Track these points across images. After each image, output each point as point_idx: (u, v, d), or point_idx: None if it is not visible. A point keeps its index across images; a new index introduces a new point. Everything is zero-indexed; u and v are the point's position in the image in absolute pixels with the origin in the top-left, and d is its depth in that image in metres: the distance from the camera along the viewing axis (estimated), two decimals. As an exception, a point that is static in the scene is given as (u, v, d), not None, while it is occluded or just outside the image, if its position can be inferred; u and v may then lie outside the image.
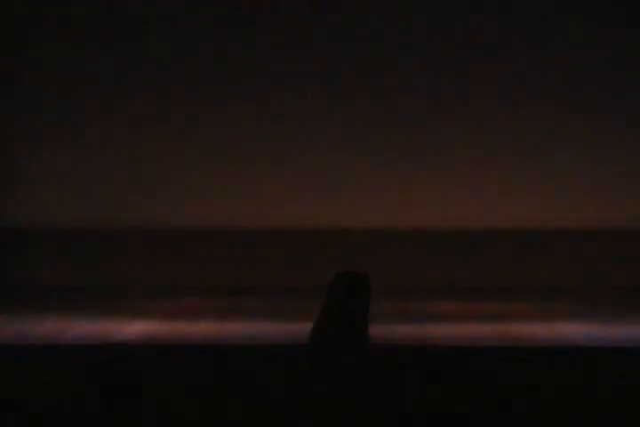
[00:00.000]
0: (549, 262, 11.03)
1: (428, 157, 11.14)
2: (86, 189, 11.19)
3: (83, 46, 11.08)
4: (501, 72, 11.07)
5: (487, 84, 11.07)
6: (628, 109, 11.07)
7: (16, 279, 10.85)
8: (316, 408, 4.96)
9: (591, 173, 11.09)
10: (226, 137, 11.16)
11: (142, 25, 11.06)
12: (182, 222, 11.12)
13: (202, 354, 6.91)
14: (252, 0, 11.07)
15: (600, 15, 10.95)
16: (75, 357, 6.81)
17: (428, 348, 7.14)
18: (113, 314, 9.03)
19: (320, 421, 4.86)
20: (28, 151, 11.20)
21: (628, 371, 6.35)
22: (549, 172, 11.11)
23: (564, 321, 8.68)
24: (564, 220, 10.99)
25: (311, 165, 11.16)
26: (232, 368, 6.34)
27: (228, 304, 9.92)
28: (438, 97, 11.10)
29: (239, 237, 11.22)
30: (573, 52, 11.01)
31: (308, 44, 11.07)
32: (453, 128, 11.10)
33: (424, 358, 6.64)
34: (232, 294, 10.51)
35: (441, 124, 11.12)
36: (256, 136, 11.15)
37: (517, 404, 5.31)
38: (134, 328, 8.33)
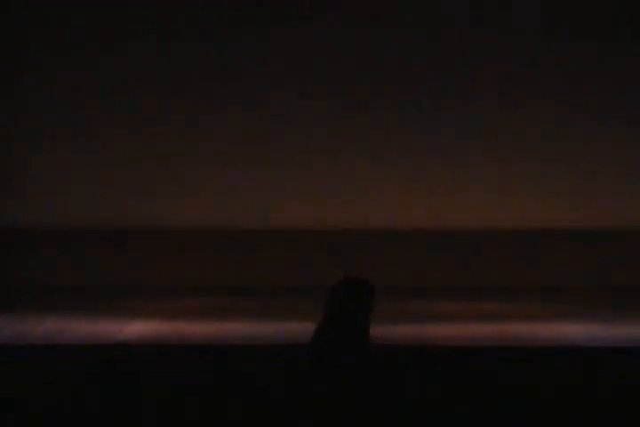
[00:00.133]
0: (549, 262, 11.03)
1: (428, 158, 11.14)
2: (86, 189, 11.19)
3: (83, 46, 11.08)
4: (501, 72, 11.07)
5: (487, 84, 11.07)
6: (628, 109, 11.07)
7: (16, 279, 10.85)
8: (315, 408, 4.96)
9: (591, 173, 11.09)
10: (226, 137, 11.16)
11: (142, 25, 11.06)
12: (182, 222, 11.12)
13: (202, 354, 6.91)
14: (253, 0, 11.08)
15: (600, 15, 10.95)
16: (75, 357, 6.81)
17: (427, 348, 7.13)
18: (113, 314, 9.03)
19: (320, 421, 4.86)
20: (28, 151, 11.20)
21: (628, 371, 6.35)
22: (549, 172, 11.11)
23: (563, 321, 8.68)
24: (564, 220, 11.00)
25: (311, 165, 11.16)
26: (232, 368, 6.34)
27: (228, 304, 9.92)
28: (438, 97, 11.10)
29: (239, 237, 11.22)
30: (573, 52, 11.01)
31: (308, 44, 11.07)
32: (453, 128, 11.10)
33: (424, 358, 6.64)
34: (232, 294, 10.51)
35: (441, 124, 11.11)
36: (256, 136, 11.15)
37: (517, 404, 5.31)
38: (134, 328, 8.33)
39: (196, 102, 11.12)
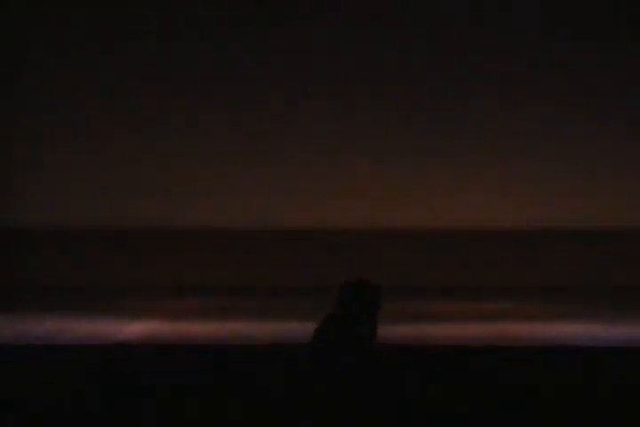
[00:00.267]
0: (549, 262, 11.04)
1: (428, 158, 11.14)
2: (86, 189, 11.19)
3: (83, 46, 11.08)
4: (501, 72, 11.07)
5: (487, 84, 11.07)
6: (628, 109, 11.07)
7: (16, 279, 10.85)
8: (315, 408, 4.96)
9: (591, 173, 11.10)
10: (226, 137, 11.16)
11: (142, 25, 11.07)
12: (182, 222, 11.12)
13: (202, 354, 6.92)
14: (254, 0, 11.08)
15: (600, 15, 10.95)
16: (75, 357, 6.82)
17: (428, 348, 7.14)
18: (113, 314, 9.03)
19: (320, 421, 4.86)
20: (28, 151, 11.20)
21: (628, 371, 6.36)
22: (549, 172, 11.11)
23: (563, 321, 8.68)
24: (564, 220, 11.00)
25: (311, 165, 11.16)
26: (232, 368, 6.34)
27: (228, 304, 9.92)
28: (438, 97, 11.10)
29: (239, 237, 11.23)
30: (573, 52, 11.01)
31: (308, 44, 11.07)
32: (453, 128, 11.10)
33: (424, 358, 6.64)
34: (232, 294, 10.51)
35: (441, 124, 11.12)
36: (256, 136, 11.15)
37: (517, 404, 5.31)
38: (134, 328, 8.33)
39: (196, 102, 11.12)
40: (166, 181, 11.16)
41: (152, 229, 11.13)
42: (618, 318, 8.77)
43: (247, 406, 5.18)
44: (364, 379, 5.15)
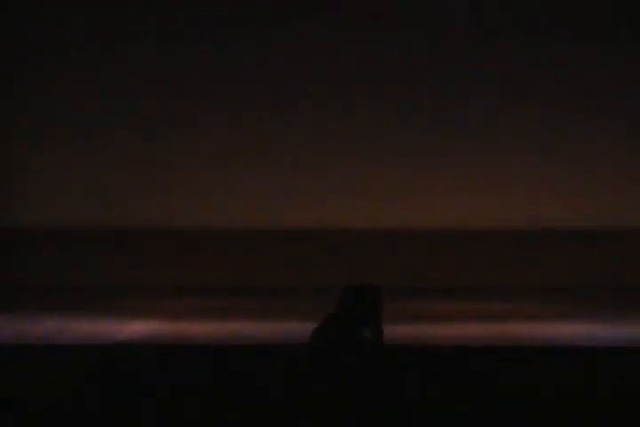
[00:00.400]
0: (549, 262, 11.03)
1: (428, 158, 11.14)
2: (86, 189, 11.19)
3: (83, 46, 11.08)
4: (501, 72, 11.07)
5: (487, 84, 11.07)
6: (628, 109, 11.07)
7: (16, 279, 10.85)
8: (315, 408, 4.96)
9: (591, 173, 11.09)
10: (226, 137, 11.16)
11: (142, 25, 11.06)
12: (182, 222, 11.12)
13: (202, 354, 6.91)
14: (253, 0, 11.08)
15: (600, 15, 10.94)
16: (75, 357, 6.81)
17: (428, 348, 7.14)
18: (113, 314, 9.03)
19: (320, 421, 4.86)
20: (28, 151, 11.20)
21: (628, 371, 6.35)
22: (550, 172, 11.11)
23: (563, 321, 8.68)
24: (564, 220, 11.00)
25: (311, 165, 11.15)
26: (232, 368, 6.34)
27: (228, 304, 9.92)
28: (438, 97, 11.10)
29: (239, 237, 11.22)
30: (573, 52, 11.01)
31: (308, 44, 11.07)
32: (453, 128, 11.10)
33: (424, 358, 6.64)
34: (232, 294, 10.51)
35: (441, 124, 11.12)
36: (256, 136, 11.15)
37: (517, 404, 5.31)
38: (134, 328, 8.33)
39: (196, 102, 11.12)
40: (166, 181, 11.16)
41: (152, 229, 11.13)
42: (618, 318, 8.77)
43: (247, 406, 5.18)
44: (363, 379, 5.15)
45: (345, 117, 11.10)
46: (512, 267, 10.93)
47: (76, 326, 8.38)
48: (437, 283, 10.81)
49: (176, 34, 11.08)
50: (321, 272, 10.74)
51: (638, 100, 11.07)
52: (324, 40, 11.06)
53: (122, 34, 11.06)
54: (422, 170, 11.17)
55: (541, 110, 11.06)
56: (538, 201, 11.08)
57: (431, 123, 11.11)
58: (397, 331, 7.75)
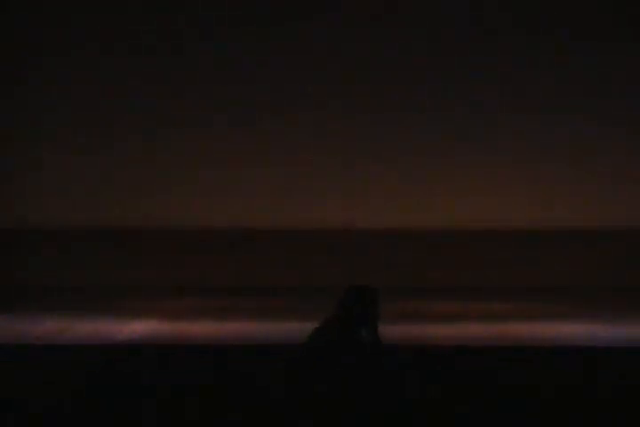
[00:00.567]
0: (549, 262, 11.03)
1: (428, 158, 11.14)
2: (86, 189, 11.19)
3: (83, 46, 11.08)
4: (501, 72, 11.07)
5: (487, 84, 11.07)
6: (629, 109, 11.07)
7: (16, 279, 10.85)
8: (315, 408, 4.96)
9: (591, 173, 11.09)
10: (226, 137, 11.16)
11: (142, 25, 11.07)
12: (182, 222, 11.12)
13: (202, 354, 6.92)
14: (253, 0, 11.08)
15: (600, 15, 10.95)
16: (75, 357, 6.82)
17: (428, 348, 7.14)
18: (113, 314, 9.03)
19: (320, 421, 4.86)
20: (28, 151, 11.20)
21: (627, 371, 6.36)
22: (550, 172, 11.11)
23: (563, 321, 8.68)
24: (564, 220, 11.00)
25: (311, 166, 11.16)
26: (232, 368, 6.34)
27: (228, 304, 9.92)
28: (438, 97, 11.10)
29: (239, 237, 11.22)
30: (573, 52, 11.01)
31: (308, 44, 11.07)
32: (453, 128, 11.10)
33: (424, 358, 6.64)
34: (232, 294, 10.51)
35: (441, 124, 11.12)
36: (256, 136, 11.15)
37: (517, 404, 5.31)
38: (134, 328, 8.33)
39: (196, 102, 11.12)
40: (166, 181, 11.16)
41: (152, 229, 11.13)
42: (618, 318, 8.77)
43: (247, 406, 5.18)
44: (363, 379, 5.16)
45: (345, 117, 11.10)
46: (512, 267, 10.93)
47: (77, 326, 8.38)
48: (437, 283, 10.81)
49: (176, 34, 11.09)
50: (321, 272, 10.74)
51: (638, 100, 11.07)
52: (324, 40, 11.06)
53: (122, 34, 11.06)
54: (422, 170, 11.17)
55: (541, 110, 11.06)
56: (538, 201, 11.09)
57: (431, 123, 11.11)
58: (397, 331, 7.76)
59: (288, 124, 11.11)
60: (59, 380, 5.90)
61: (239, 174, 11.15)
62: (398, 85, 11.06)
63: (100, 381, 5.90)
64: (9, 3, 11.06)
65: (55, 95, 11.14)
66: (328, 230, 11.02)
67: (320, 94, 11.09)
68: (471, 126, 11.08)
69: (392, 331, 7.55)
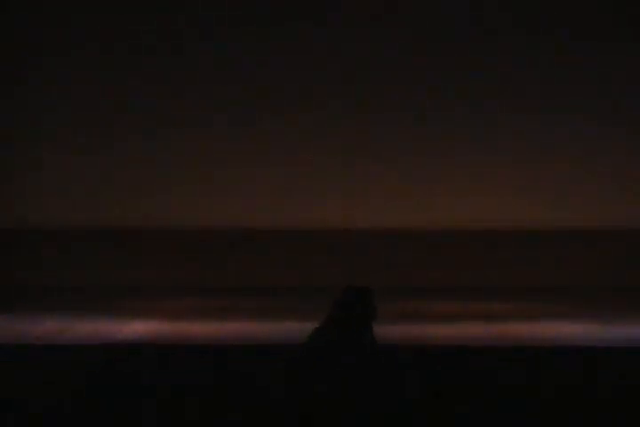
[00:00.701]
0: (549, 262, 11.03)
1: (428, 158, 11.14)
2: (86, 189, 11.19)
3: (83, 46, 11.08)
4: (501, 72, 11.07)
5: (487, 84, 11.07)
6: (629, 109, 11.07)
7: (16, 279, 10.85)
8: (315, 408, 4.96)
9: (591, 173, 11.09)
10: (226, 137, 11.16)
11: (142, 25, 11.06)
12: (182, 222, 11.12)
13: (202, 354, 6.92)
14: (253, 0, 11.08)
15: (600, 15, 10.95)
16: (75, 357, 6.82)
17: (427, 348, 7.14)
18: (113, 314, 9.03)
19: (320, 421, 4.86)
20: (28, 151, 11.20)
21: (627, 371, 6.36)
22: (549, 172, 11.11)
23: (563, 321, 8.68)
24: (564, 220, 11.00)
25: (311, 166, 11.16)
26: (232, 368, 6.34)
27: (228, 304, 9.92)
28: (438, 97, 11.10)
29: (239, 237, 11.22)
30: (573, 52, 11.01)
31: (308, 44, 11.07)
32: (453, 128, 11.10)
33: (424, 358, 6.64)
34: (232, 294, 10.51)
35: (441, 124, 11.12)
36: (256, 136, 11.15)
37: (517, 404, 5.31)
38: (134, 328, 8.33)
39: (196, 102, 11.12)
40: (166, 181, 11.16)
41: (152, 229, 11.13)
42: (618, 318, 8.77)
43: (247, 406, 5.18)
44: (363, 379, 5.16)
45: (345, 117, 11.10)
46: (512, 267, 10.93)
47: (77, 326, 8.38)
48: (437, 283, 10.81)
49: (176, 34, 11.09)
50: (321, 272, 10.74)
51: (638, 100, 11.07)
52: (324, 40, 11.06)
53: (122, 34, 11.06)
54: (422, 170, 11.17)
55: (541, 110, 11.06)
56: (538, 201, 11.08)
57: (431, 123, 11.11)
58: (397, 331, 7.76)
59: (288, 124, 11.11)
60: (59, 380, 5.90)
61: (239, 174, 11.15)
62: (398, 85, 11.06)
63: (100, 381, 5.90)
64: (9, 3, 11.06)
65: (55, 95, 11.14)
66: (328, 230, 11.02)
67: (320, 94, 11.09)
68: (471, 126, 11.08)
69: (392, 331, 7.56)
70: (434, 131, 11.10)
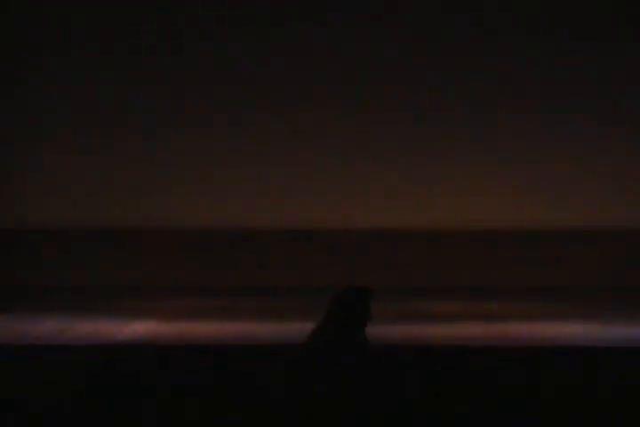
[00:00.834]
0: (550, 262, 11.03)
1: (428, 158, 11.14)
2: (86, 189, 11.19)
3: (83, 46, 11.08)
4: (501, 72, 11.07)
5: (487, 84, 11.07)
6: (629, 109, 11.07)
7: (16, 279, 10.85)
8: (315, 408, 4.96)
9: (591, 173, 11.09)
10: (226, 137, 11.16)
11: (142, 25, 11.06)
12: (182, 222, 11.12)
13: (202, 354, 6.91)
14: (253, 0, 11.08)
15: (600, 15, 10.94)
16: (75, 357, 6.81)
17: (427, 348, 7.13)
18: (113, 314, 9.03)
19: (320, 421, 4.86)
20: (28, 151, 11.20)
21: (628, 371, 6.35)
22: (549, 172, 11.11)
23: (563, 321, 8.68)
24: (564, 220, 11.00)
25: (311, 166, 11.15)
26: (232, 368, 6.34)
27: (228, 304, 9.92)
28: (438, 97, 11.10)
29: (239, 237, 11.22)
30: (573, 52, 11.01)
31: (308, 44, 11.07)
32: (454, 128, 11.10)
33: (424, 358, 6.64)
34: (232, 294, 10.51)
35: (441, 124, 11.11)
36: (256, 136, 11.15)
37: (517, 404, 5.31)
38: (134, 328, 8.33)
39: (196, 102, 11.12)
40: (166, 181, 11.16)
41: (152, 229, 11.13)
42: (617, 318, 8.77)
43: (247, 406, 5.18)
44: (363, 379, 5.15)
45: (345, 117, 11.10)
46: (512, 267, 10.93)
47: (77, 326, 8.38)
48: (437, 283, 10.81)
49: (176, 34, 11.08)
50: (321, 272, 10.74)
51: (638, 100, 11.07)
52: (324, 40, 11.06)
53: (122, 34, 11.06)
54: (422, 170, 11.17)
55: (541, 110, 11.06)
56: (538, 201, 11.08)
57: (431, 123, 11.11)
58: (397, 331, 7.76)
59: (288, 124, 11.11)
60: (59, 380, 5.89)
61: (239, 174, 11.15)
62: (398, 85, 11.06)
63: (100, 381, 5.90)
64: (9, 3, 11.06)
65: (55, 95, 11.14)
66: (328, 230, 11.02)
67: (320, 94, 11.09)
68: (471, 126, 11.08)
69: (392, 331, 7.56)
70: (434, 131, 11.10)
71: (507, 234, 11.01)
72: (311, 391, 5.07)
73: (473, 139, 11.09)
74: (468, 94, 11.06)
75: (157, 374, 6.07)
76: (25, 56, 11.09)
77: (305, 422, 4.86)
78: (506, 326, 8.44)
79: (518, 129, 11.07)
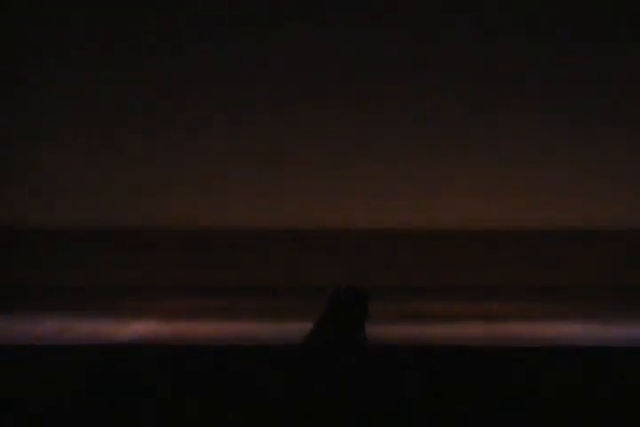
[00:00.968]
0: (549, 262, 11.03)
1: (429, 158, 11.14)
2: (86, 189, 11.19)
3: (83, 46, 11.08)
4: (501, 72, 11.07)
5: (487, 84, 11.07)
6: (629, 110, 11.07)
7: (16, 279, 10.85)
8: (315, 408, 4.96)
9: (591, 174, 11.09)
10: (226, 137, 11.16)
11: (142, 25, 11.06)
12: (182, 222, 11.12)
13: (202, 354, 6.91)
14: (253, 0, 11.08)
15: (600, 15, 10.94)
16: (75, 357, 6.81)
17: (427, 348, 7.13)
18: (113, 314, 9.03)
19: (320, 421, 4.86)
20: (28, 151, 11.20)
21: (628, 371, 6.35)
22: (549, 172, 11.11)
23: (563, 321, 8.68)
24: (564, 220, 11.00)
25: (311, 166, 11.16)
26: (232, 368, 6.34)
27: (228, 304, 9.92)
28: (438, 97, 11.10)
29: (239, 237, 11.22)
30: (574, 52, 11.01)
31: (308, 44, 11.07)
32: (454, 128, 11.10)
33: (424, 358, 6.64)
34: (232, 294, 10.51)
35: (441, 124, 11.12)
36: (256, 136, 11.15)
37: (517, 404, 5.31)
38: (134, 328, 8.33)
39: (196, 102, 11.12)
40: (166, 181, 11.16)
41: (152, 229, 11.13)
42: (617, 318, 8.77)
43: (247, 406, 5.18)
44: (363, 379, 5.15)
45: (345, 117, 11.10)
46: (512, 267, 10.93)
47: (77, 326, 8.38)
48: (437, 283, 10.81)
49: (176, 34, 11.08)
50: (321, 272, 10.74)
51: (638, 101, 11.07)
52: (324, 40, 11.06)
53: (122, 34, 11.06)
54: (422, 170, 11.17)
55: (541, 110, 11.06)
56: (538, 201, 11.08)
57: (431, 123, 11.11)
58: (397, 331, 7.76)
59: (288, 124, 11.11)
60: (59, 380, 5.89)
61: (239, 174, 11.15)
62: (398, 85, 11.06)
63: (100, 381, 5.89)
64: (9, 3, 11.06)
65: (55, 95, 11.14)
66: (328, 230, 11.02)
67: (320, 94, 11.09)
68: (471, 126, 11.08)
69: (392, 331, 7.56)
70: (434, 131, 11.10)
71: (507, 234, 11.01)
72: (311, 391, 5.07)
73: (473, 139, 11.09)
74: (467, 94, 11.06)
75: (157, 374, 6.06)
76: (25, 56, 11.09)
77: (305, 422, 4.86)
78: (506, 326, 8.45)
79: (518, 129, 11.07)
